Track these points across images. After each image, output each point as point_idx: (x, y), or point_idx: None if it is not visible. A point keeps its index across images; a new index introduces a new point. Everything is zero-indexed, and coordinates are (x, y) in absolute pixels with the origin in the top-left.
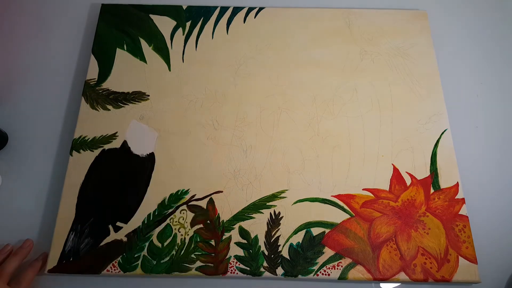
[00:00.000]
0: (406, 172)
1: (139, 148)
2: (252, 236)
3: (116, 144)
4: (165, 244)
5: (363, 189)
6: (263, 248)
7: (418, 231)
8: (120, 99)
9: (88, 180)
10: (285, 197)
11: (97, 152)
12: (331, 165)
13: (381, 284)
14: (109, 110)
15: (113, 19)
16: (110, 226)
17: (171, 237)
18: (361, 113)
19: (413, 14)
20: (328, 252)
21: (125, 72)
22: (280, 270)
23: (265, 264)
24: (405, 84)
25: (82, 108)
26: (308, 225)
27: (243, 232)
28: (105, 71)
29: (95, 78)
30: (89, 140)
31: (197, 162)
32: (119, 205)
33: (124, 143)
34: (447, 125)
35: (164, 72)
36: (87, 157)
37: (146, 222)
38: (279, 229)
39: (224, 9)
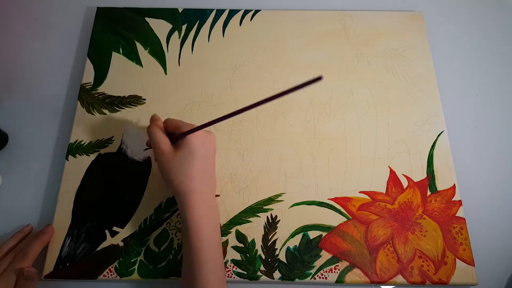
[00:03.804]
0: (403, 174)
1: (135, 152)
2: (249, 240)
3: (112, 148)
4: (162, 248)
5: (359, 192)
6: (260, 252)
7: (415, 233)
8: (116, 103)
9: (84, 185)
10: (281, 200)
11: (93, 156)
12: (327, 168)
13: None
14: (105, 114)
15: (109, 23)
16: (107, 231)
17: (168, 242)
18: (357, 115)
19: (409, 16)
20: (325, 256)
21: (121, 76)
22: (277, 274)
23: (262, 268)
24: (402, 86)
25: (78, 112)
26: (305, 228)
27: (240, 236)
28: (100, 75)
29: (90, 82)
30: (85, 144)
31: None
32: (116, 210)
33: (120, 148)
34: (443, 127)
35: (160, 76)
36: (83, 162)
37: (142, 226)
38: (276, 232)
39: (220, 12)
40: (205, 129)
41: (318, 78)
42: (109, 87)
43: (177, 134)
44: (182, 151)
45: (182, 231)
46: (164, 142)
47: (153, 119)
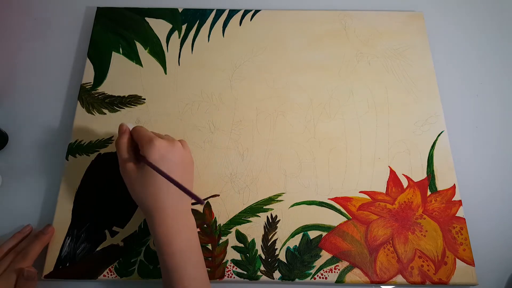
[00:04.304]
0: (403, 174)
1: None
2: (249, 239)
3: (112, 148)
4: None
5: (360, 192)
6: (260, 251)
7: (415, 233)
8: (116, 102)
9: (84, 185)
10: (282, 200)
11: (93, 156)
12: (327, 168)
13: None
14: (105, 114)
15: (109, 23)
16: (107, 231)
17: None
18: (357, 115)
19: (409, 16)
20: (325, 255)
21: (121, 75)
22: (277, 274)
23: (262, 268)
24: (402, 86)
25: (77, 112)
26: (305, 228)
27: (240, 236)
28: (100, 75)
29: (90, 82)
30: (85, 144)
31: (194, 165)
32: (116, 210)
33: None
34: (443, 127)
35: (160, 76)
36: (83, 162)
37: (142, 226)
38: (276, 232)
39: (220, 12)
40: (172, 136)
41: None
42: (109, 87)
43: (139, 156)
44: (142, 169)
45: (156, 248)
46: (127, 158)
47: (120, 131)
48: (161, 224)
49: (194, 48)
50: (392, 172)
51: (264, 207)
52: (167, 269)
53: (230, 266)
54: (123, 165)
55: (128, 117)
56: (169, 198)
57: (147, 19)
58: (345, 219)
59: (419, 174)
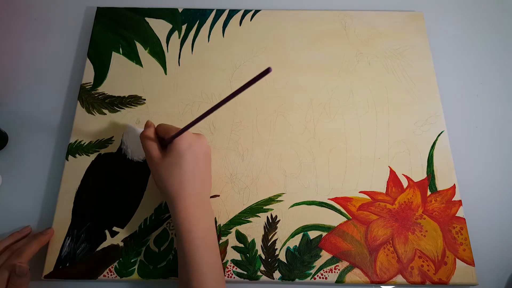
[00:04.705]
0: (403, 174)
1: (135, 153)
2: (249, 240)
3: (112, 148)
4: (162, 248)
5: (360, 192)
6: (260, 252)
7: (415, 233)
8: (116, 103)
9: (84, 185)
10: (282, 200)
11: (93, 156)
12: (327, 168)
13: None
14: (105, 114)
15: (109, 23)
16: (107, 231)
17: (168, 242)
18: (357, 115)
19: (409, 16)
20: (325, 256)
21: (121, 76)
22: (277, 274)
23: (262, 268)
24: (402, 86)
25: (77, 112)
26: (305, 229)
27: (240, 236)
28: (100, 75)
29: (90, 82)
30: (85, 144)
31: None
32: (116, 210)
33: (120, 148)
34: (443, 127)
35: (160, 76)
36: (83, 162)
37: (142, 226)
38: (276, 232)
39: (220, 12)
40: (194, 132)
41: (267, 71)
42: (109, 87)
43: (167, 139)
44: (170, 155)
45: (175, 234)
46: (153, 148)
47: (146, 125)
48: (183, 211)
49: (194, 48)
50: (392, 172)
51: (264, 207)
52: (185, 255)
53: (230, 266)
54: (149, 154)
55: (128, 118)
56: (194, 185)
57: (147, 19)
58: (345, 219)
59: (419, 174)
